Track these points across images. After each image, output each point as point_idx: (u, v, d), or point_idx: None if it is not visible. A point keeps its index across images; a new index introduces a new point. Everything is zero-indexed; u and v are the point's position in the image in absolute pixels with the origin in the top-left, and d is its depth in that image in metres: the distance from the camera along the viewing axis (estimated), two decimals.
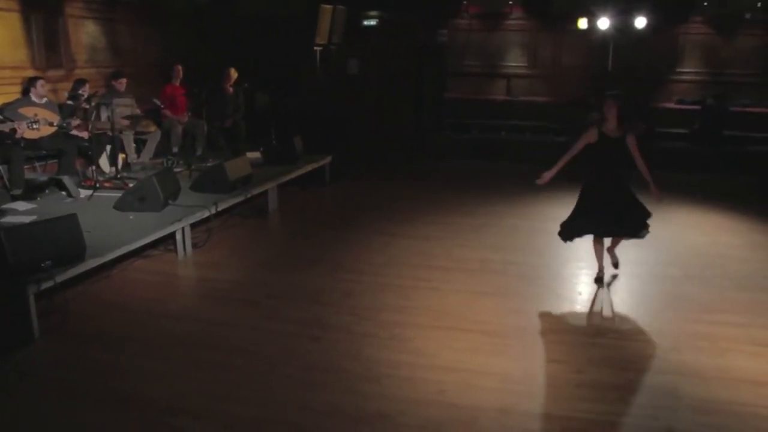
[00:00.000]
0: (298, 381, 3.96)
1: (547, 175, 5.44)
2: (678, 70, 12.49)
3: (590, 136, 5.29)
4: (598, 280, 5.58)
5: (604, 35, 11.75)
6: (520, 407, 3.70)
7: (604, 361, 4.27)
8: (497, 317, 4.93)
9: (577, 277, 5.70)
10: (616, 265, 5.75)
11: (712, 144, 11.09)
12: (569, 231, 5.52)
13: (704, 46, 12.33)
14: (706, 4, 11.87)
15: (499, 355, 4.32)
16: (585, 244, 5.76)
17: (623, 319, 5.03)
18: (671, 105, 12.29)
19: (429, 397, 3.79)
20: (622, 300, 5.35)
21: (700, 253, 6.53)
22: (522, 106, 12.63)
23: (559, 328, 4.81)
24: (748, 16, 11.87)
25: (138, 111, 8.27)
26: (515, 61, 13.12)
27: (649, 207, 5.43)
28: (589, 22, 11.81)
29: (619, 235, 5.57)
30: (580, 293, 5.43)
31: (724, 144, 11.10)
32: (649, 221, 5.40)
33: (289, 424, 3.55)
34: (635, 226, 5.36)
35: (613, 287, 5.58)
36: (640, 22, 11.48)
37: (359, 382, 3.96)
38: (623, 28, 11.61)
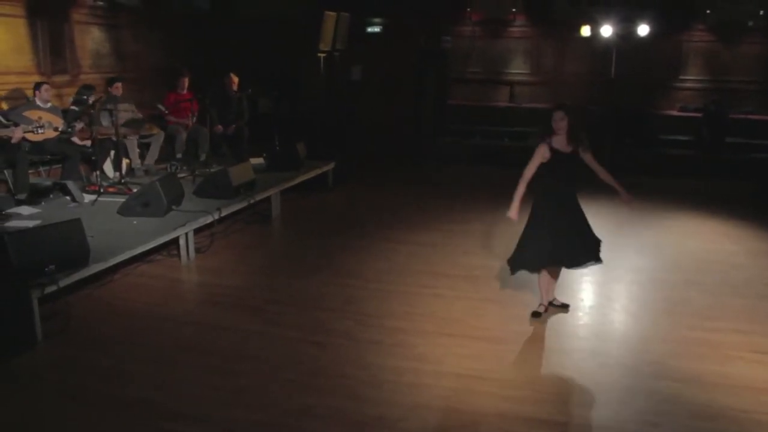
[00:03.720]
0: (300, 386, 3.97)
1: (514, 212, 4.94)
2: (681, 77, 12.50)
3: (542, 154, 4.74)
4: (536, 314, 5.01)
5: (607, 42, 11.77)
6: (522, 413, 3.72)
7: (606, 367, 4.28)
8: (500, 324, 4.94)
9: (579, 285, 5.70)
10: (565, 306, 5.16)
11: (713, 151, 11.10)
12: (520, 262, 4.95)
13: (707, 54, 12.34)
14: (708, 11, 11.91)
15: (501, 362, 4.34)
16: None
17: (624, 325, 5.04)
18: (674, 112, 12.30)
19: (431, 402, 3.81)
20: (623, 306, 5.36)
21: (701, 259, 6.53)
22: (525, 112, 12.63)
23: (561, 335, 4.81)
24: (750, 23, 11.89)
25: (139, 114, 8.29)
26: (518, 68, 13.14)
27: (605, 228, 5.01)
28: (592, 30, 11.84)
29: (568, 266, 4.92)
30: (582, 300, 5.42)
31: (725, 151, 11.11)
32: (600, 249, 4.87)
33: (291, 428, 3.56)
34: (586, 254, 4.82)
35: (613, 293, 5.59)
36: (643, 29, 11.51)
37: (362, 387, 3.97)
38: (626, 35, 11.64)
